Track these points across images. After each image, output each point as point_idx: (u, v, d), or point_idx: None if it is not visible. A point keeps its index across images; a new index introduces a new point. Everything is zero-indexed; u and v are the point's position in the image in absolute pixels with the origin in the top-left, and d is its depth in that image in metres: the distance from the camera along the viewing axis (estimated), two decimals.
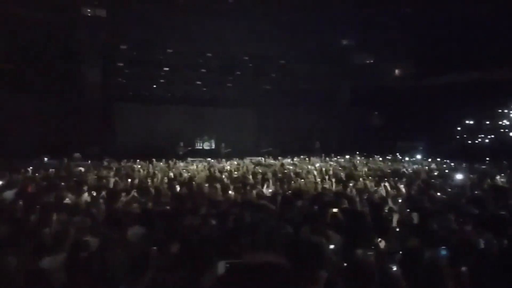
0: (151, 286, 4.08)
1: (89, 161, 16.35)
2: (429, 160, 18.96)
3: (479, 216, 6.43)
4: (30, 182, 10.26)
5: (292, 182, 11.17)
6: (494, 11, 18.84)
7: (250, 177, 12.15)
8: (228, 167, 15.41)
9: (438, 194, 9.06)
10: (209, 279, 3.73)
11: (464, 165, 16.35)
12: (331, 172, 13.13)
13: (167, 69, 23.69)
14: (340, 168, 14.86)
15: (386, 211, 6.94)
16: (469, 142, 24.44)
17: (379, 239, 5.08)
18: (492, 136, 23.89)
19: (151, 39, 21.47)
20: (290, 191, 9.43)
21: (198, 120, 25.23)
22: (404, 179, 11.42)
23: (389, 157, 20.32)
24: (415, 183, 10.43)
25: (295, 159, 19.16)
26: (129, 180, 10.91)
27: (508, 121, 23.66)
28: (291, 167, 15.25)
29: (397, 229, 5.83)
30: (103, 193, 8.60)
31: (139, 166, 14.77)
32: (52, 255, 4.69)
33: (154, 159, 16.36)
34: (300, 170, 14.08)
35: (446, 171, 14.58)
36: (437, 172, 14.16)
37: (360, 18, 20.88)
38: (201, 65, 24.28)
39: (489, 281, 4.18)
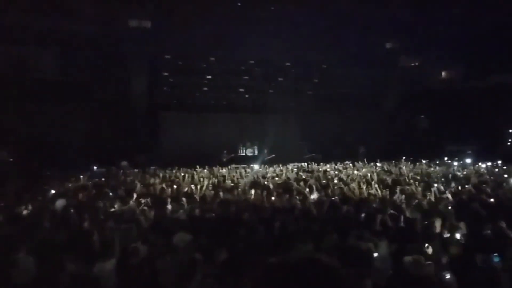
0: None
1: (136, 169, 16.76)
2: (479, 164, 18.27)
3: None
4: (80, 191, 10.62)
5: (337, 188, 11.06)
6: None
7: (294, 183, 12.12)
8: (272, 173, 15.43)
9: (490, 199, 8.72)
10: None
11: None
12: (376, 178, 12.92)
13: (210, 77, 24.10)
14: (386, 174, 14.59)
15: (435, 217, 6.76)
16: None
17: (427, 245, 4.97)
18: None
19: (194, 48, 21.88)
20: (335, 197, 9.34)
21: (241, 127, 25.34)
22: (453, 184, 11.06)
23: (437, 162, 19.76)
24: (465, 189, 10.10)
25: (339, 165, 18.97)
26: (175, 187, 11.11)
27: None
28: (335, 173, 15.11)
29: (446, 236, 5.69)
30: (150, 200, 8.81)
31: (184, 173, 15.03)
32: (102, 261, 4.84)
33: (198, 166, 16.60)
34: (345, 176, 13.94)
35: (498, 175, 14.03)
36: (488, 176, 13.62)
37: (405, 19, 20.48)
38: (243, 72, 24.58)
39: None
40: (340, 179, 13.00)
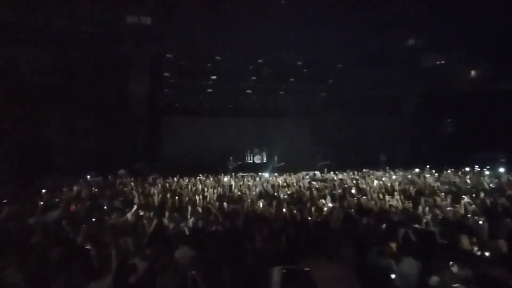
0: None
1: (135, 178, 16.81)
2: None
3: None
4: (74, 201, 10.66)
5: (354, 198, 11.02)
6: None
7: (307, 193, 12.09)
8: (282, 182, 15.44)
9: None
10: None
11: None
12: (398, 188, 12.85)
13: (215, 77, 24.07)
14: (408, 183, 14.51)
15: (463, 232, 6.67)
16: None
17: (451, 263, 4.88)
18: None
19: (198, 47, 21.91)
20: (352, 209, 9.30)
21: (249, 132, 25.38)
22: (484, 196, 10.92)
23: (465, 170, 19.55)
24: (499, 201, 9.96)
25: (356, 173, 18.91)
26: (177, 197, 11.14)
27: None
28: (352, 182, 15.08)
29: (476, 253, 5.61)
30: (150, 212, 8.82)
31: (187, 183, 15.06)
32: (98, 279, 4.83)
33: (202, 175, 16.63)
34: (363, 186, 13.90)
35: None
36: None
37: (428, 13, 20.33)
38: (252, 72, 24.52)
39: None
40: (358, 189, 12.98)
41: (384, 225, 7.31)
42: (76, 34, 19.53)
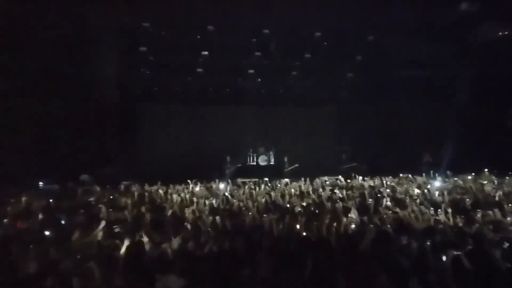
0: None
1: (102, 185, 16.70)
2: None
3: None
4: (21, 216, 10.66)
5: (389, 212, 11.03)
6: None
7: (328, 204, 12.13)
8: (295, 191, 15.44)
9: None
10: None
11: None
12: (447, 198, 12.86)
13: (206, 53, 23.88)
14: (461, 192, 14.50)
15: None
16: None
17: None
18: None
19: (184, 13, 21.69)
20: (386, 226, 9.33)
21: (251, 125, 25.34)
22: None
23: None
24: None
25: (391, 179, 18.93)
26: (157, 211, 11.16)
27: None
28: (386, 191, 15.10)
29: None
30: (122, 230, 8.84)
31: (170, 191, 15.09)
32: None
33: (190, 181, 16.67)
34: (401, 195, 13.95)
35: None
36: None
37: None
38: (255, 46, 24.29)
39: None
40: (395, 200, 13.00)
41: (428, 247, 7.33)
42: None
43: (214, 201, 13.05)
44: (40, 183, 17.50)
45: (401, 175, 19.76)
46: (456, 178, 18.85)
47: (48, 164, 19.29)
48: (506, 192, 14.12)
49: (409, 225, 9.24)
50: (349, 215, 10.62)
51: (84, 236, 8.51)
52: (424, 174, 19.52)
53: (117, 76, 23.03)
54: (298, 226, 9.32)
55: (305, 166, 22.63)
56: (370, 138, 25.71)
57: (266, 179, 19.28)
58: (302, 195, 14.57)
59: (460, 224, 9.45)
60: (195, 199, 12.98)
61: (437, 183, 17.46)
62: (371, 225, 9.21)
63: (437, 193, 14.01)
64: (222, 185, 16.90)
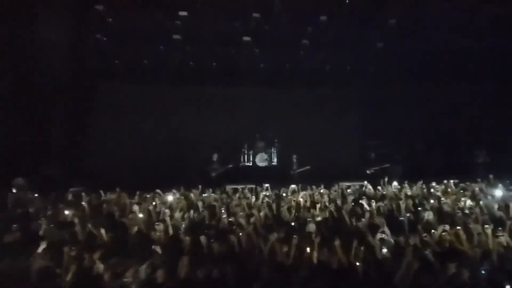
0: None
1: (43, 193, 16.65)
2: None
3: None
4: None
5: (433, 231, 10.91)
6: None
7: (351, 220, 12.07)
8: (306, 201, 15.42)
9: None
10: None
11: None
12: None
13: (185, 13, 23.26)
14: None
15: None
16: None
17: None
18: None
19: None
20: (429, 249, 9.24)
21: (246, 113, 25.23)
22: None
23: None
24: None
25: (436, 186, 18.79)
26: (117, 228, 11.03)
27: None
28: (429, 202, 14.96)
29: None
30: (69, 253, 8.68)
31: (135, 201, 14.97)
32: None
33: (161, 189, 16.53)
34: (448, 208, 13.85)
35: None
36: None
37: None
38: (249, 13, 23.81)
39: None
40: (440, 214, 12.99)
41: (486, 277, 7.29)
42: None
43: (195, 215, 12.87)
44: None
45: (448, 181, 19.62)
46: None
47: None
48: None
49: (460, 250, 9.15)
50: (379, 234, 10.41)
51: (17, 261, 8.41)
52: (478, 180, 19.44)
53: (68, 48, 22.70)
54: (309, 250, 9.14)
55: (319, 168, 22.44)
56: (409, 131, 25.59)
57: (267, 185, 19.14)
58: (315, 207, 14.44)
59: None
60: (168, 212, 12.77)
61: (498, 191, 17.35)
62: (410, 249, 9.01)
63: (497, 205, 13.89)
64: (206, 194, 16.79)
